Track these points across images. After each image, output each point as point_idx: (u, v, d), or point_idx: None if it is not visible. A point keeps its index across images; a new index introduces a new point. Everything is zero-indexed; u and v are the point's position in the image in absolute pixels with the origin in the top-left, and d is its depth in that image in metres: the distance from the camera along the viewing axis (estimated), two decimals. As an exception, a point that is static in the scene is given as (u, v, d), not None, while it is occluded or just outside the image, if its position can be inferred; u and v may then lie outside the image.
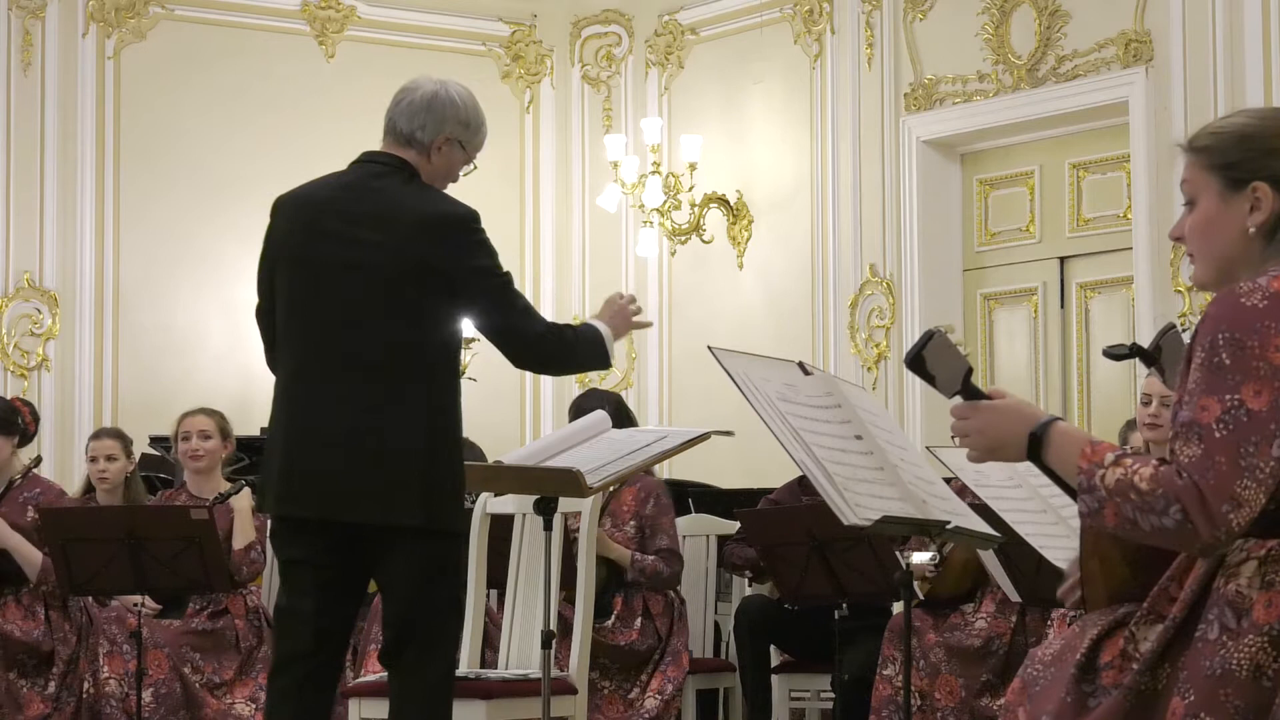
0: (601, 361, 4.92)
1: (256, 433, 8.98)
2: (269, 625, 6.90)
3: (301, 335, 4.70)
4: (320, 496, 4.61)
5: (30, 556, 6.77)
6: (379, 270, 4.61)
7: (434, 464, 4.61)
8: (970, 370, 2.92)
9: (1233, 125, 2.88)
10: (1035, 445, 2.82)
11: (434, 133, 4.75)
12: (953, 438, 3.00)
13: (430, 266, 4.60)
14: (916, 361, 2.91)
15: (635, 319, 5.01)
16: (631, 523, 7.01)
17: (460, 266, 4.63)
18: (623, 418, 7.13)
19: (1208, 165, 2.86)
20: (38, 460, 7.25)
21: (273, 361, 4.81)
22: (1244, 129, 2.87)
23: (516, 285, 4.80)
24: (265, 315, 4.81)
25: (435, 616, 4.68)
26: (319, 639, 4.68)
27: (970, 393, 2.91)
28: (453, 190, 4.89)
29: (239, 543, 6.86)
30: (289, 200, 4.81)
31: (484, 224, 4.77)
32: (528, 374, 10.61)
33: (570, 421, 6.26)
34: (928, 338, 2.91)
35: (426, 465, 4.59)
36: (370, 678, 6.12)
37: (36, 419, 7.31)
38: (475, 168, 4.91)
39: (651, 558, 6.95)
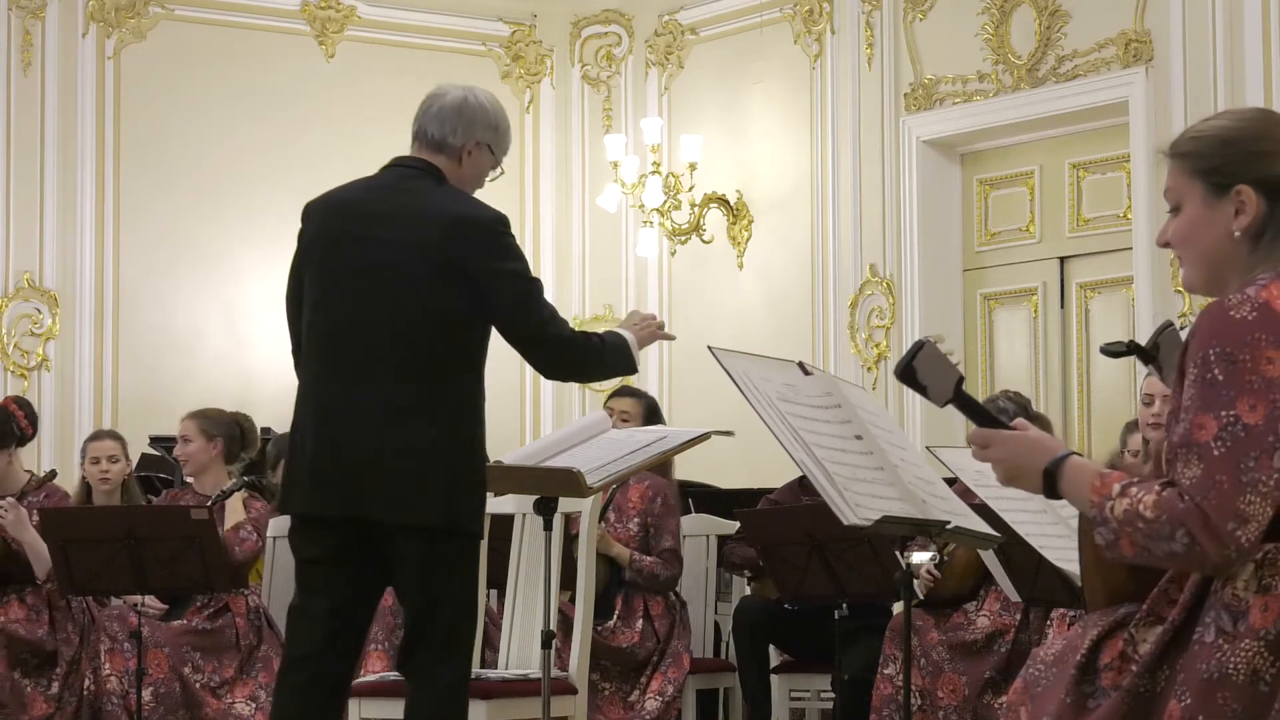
0: (628, 367, 4.94)
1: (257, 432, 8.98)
2: (269, 625, 6.90)
3: (327, 335, 4.73)
4: (344, 495, 4.63)
5: (43, 554, 6.77)
6: (406, 271, 4.63)
7: (457, 464, 4.62)
8: (962, 379, 2.93)
9: (1214, 129, 2.86)
10: (1050, 481, 2.82)
11: (465, 137, 4.78)
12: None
13: (457, 268, 4.62)
14: (907, 372, 2.91)
15: (659, 333, 5.05)
16: (635, 520, 7.01)
17: (487, 269, 4.65)
18: (654, 417, 7.16)
19: (1191, 171, 2.84)
20: (52, 474, 7.23)
21: (298, 364, 4.84)
22: (1225, 132, 2.85)
23: (545, 293, 4.81)
24: (294, 320, 4.83)
25: (451, 618, 4.69)
26: (331, 639, 4.69)
27: (963, 401, 2.91)
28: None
29: (228, 525, 6.84)
30: (319, 204, 4.85)
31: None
32: (527, 374, 10.61)
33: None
34: (918, 348, 2.91)
35: (449, 465, 4.61)
36: (370, 678, 6.13)
37: (33, 418, 7.27)
38: (503, 172, 4.94)
39: (650, 559, 6.95)
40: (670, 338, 5.26)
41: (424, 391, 4.62)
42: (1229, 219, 2.82)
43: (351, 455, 4.62)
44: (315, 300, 4.76)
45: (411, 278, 4.63)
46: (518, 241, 4.81)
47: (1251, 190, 2.80)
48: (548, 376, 5.04)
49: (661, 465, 7.07)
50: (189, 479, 7.19)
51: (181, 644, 6.78)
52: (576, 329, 4.86)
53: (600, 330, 5.00)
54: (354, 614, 4.77)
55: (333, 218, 4.79)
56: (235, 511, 6.88)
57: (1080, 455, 2.86)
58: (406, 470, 4.59)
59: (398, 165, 4.82)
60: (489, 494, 5.90)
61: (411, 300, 4.63)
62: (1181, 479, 2.66)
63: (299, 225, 4.86)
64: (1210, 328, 2.70)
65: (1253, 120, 2.88)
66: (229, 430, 7.11)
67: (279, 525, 6.96)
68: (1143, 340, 3.36)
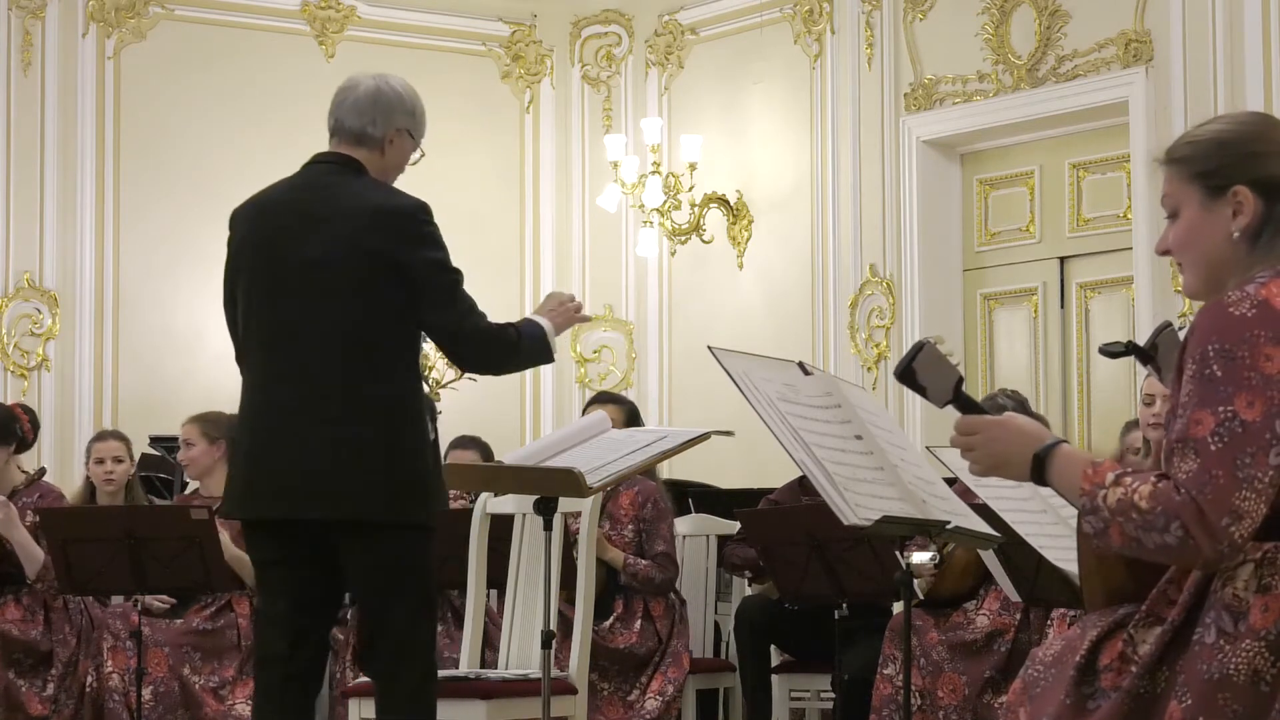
0: (544, 357, 4.91)
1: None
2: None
3: (262, 338, 4.75)
4: (280, 496, 4.63)
5: (33, 553, 6.77)
6: (334, 267, 4.63)
7: (392, 457, 4.60)
8: (961, 379, 2.93)
9: (1208, 133, 2.88)
10: (1039, 467, 2.82)
11: (385, 126, 4.79)
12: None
13: (383, 260, 4.62)
14: (907, 373, 2.92)
15: (576, 315, 4.99)
16: (630, 526, 7.01)
17: (412, 257, 4.64)
18: (635, 423, 7.13)
19: (1187, 175, 2.86)
20: (42, 471, 7.23)
21: (243, 369, 4.86)
22: (1220, 135, 2.86)
23: (467, 285, 4.76)
24: (232, 325, 4.85)
25: (406, 617, 4.67)
26: (295, 640, 4.70)
27: (962, 402, 2.91)
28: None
29: (248, 578, 6.71)
30: (245, 208, 4.89)
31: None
32: (528, 374, 10.61)
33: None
34: (917, 349, 2.92)
35: (384, 459, 4.59)
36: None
37: (36, 426, 7.27)
38: (424, 154, 4.92)
39: (645, 563, 6.94)
40: (587, 319, 5.19)
41: (356, 387, 4.61)
42: (1227, 220, 2.83)
43: (287, 456, 4.62)
44: (249, 304, 4.78)
45: (341, 274, 4.63)
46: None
47: (1248, 190, 2.81)
48: (463, 369, 4.99)
49: (648, 469, 7.05)
50: (194, 482, 7.16)
51: (182, 644, 6.77)
52: (492, 322, 4.80)
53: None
54: (316, 614, 4.77)
55: (261, 220, 4.82)
56: (242, 561, 6.73)
57: (1069, 444, 2.87)
58: (339, 467, 4.58)
59: (317, 162, 4.84)
60: (490, 494, 5.92)
61: (343, 297, 4.63)
62: (1178, 473, 2.67)
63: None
64: (1209, 324, 2.71)
65: (1247, 123, 2.90)
66: (230, 432, 7.09)
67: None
68: (1141, 341, 3.37)
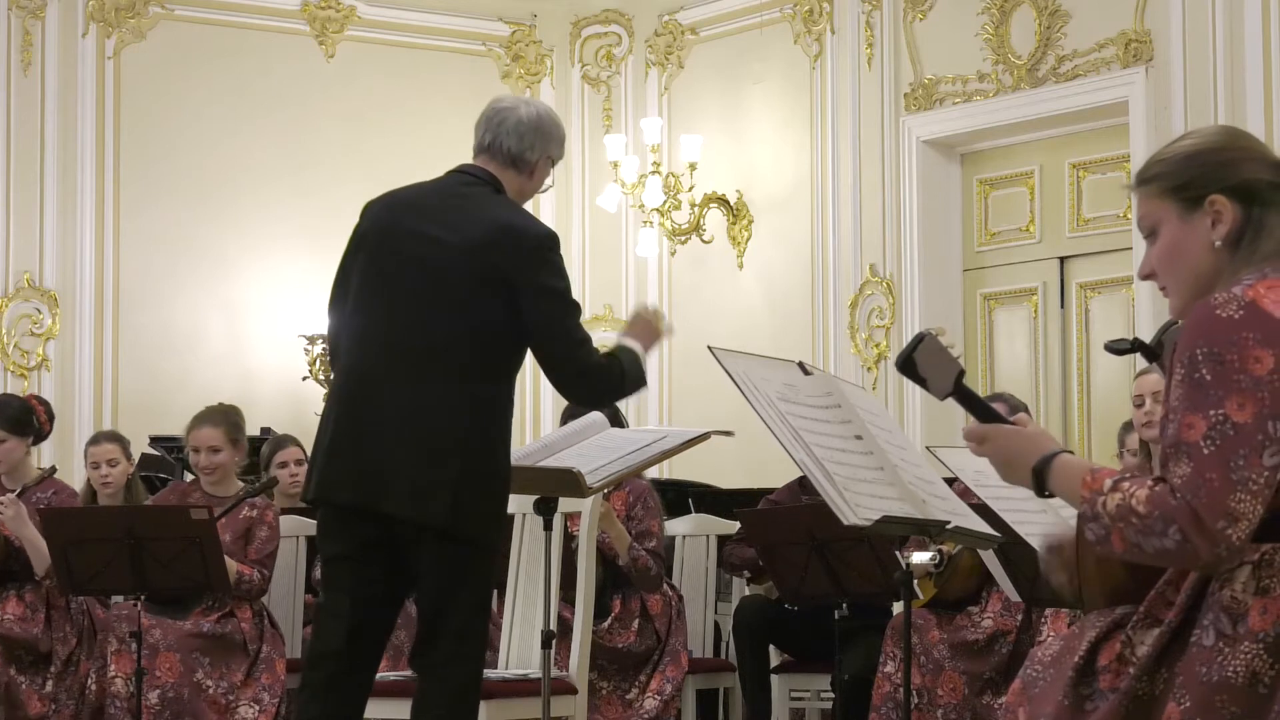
0: (641, 384, 4.94)
1: (256, 433, 8.99)
2: (272, 625, 6.89)
3: (363, 328, 4.77)
4: (358, 484, 4.66)
5: (42, 551, 6.74)
6: (447, 269, 4.66)
7: (470, 470, 4.62)
8: (962, 372, 2.93)
9: (1178, 149, 2.90)
10: (1039, 480, 2.83)
11: (540, 152, 4.86)
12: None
13: (499, 275, 4.64)
14: (908, 365, 2.91)
15: (662, 334, 5.05)
16: (622, 525, 7.01)
17: (529, 282, 4.67)
18: (616, 424, 7.13)
19: (1162, 191, 2.87)
20: (53, 470, 7.22)
21: (332, 360, 4.93)
22: (1191, 149, 2.88)
23: (581, 317, 4.82)
24: (335, 312, 4.88)
25: (463, 619, 4.70)
26: (351, 637, 4.72)
27: (963, 394, 2.91)
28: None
29: (230, 575, 6.70)
30: (377, 201, 4.91)
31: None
32: (527, 374, 10.60)
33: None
34: (918, 340, 2.92)
35: (460, 468, 4.61)
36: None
37: (52, 417, 7.27)
38: (554, 182, 5.01)
39: (645, 552, 6.95)
40: (669, 333, 5.20)
41: (447, 391, 4.63)
42: (1207, 231, 2.84)
43: (370, 447, 4.65)
44: (358, 291, 4.79)
45: (453, 279, 4.66)
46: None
47: (1225, 198, 2.82)
48: (569, 399, 5.05)
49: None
50: (211, 483, 7.05)
51: (192, 649, 6.73)
52: (600, 357, 4.83)
53: (609, 334, 4.97)
54: (376, 614, 4.78)
55: (387, 212, 4.84)
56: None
57: (1071, 453, 2.87)
58: (419, 467, 4.60)
59: (460, 171, 4.88)
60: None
61: (450, 301, 4.65)
62: (1173, 477, 2.67)
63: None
64: (1197, 327, 2.71)
65: (1215, 134, 2.92)
66: (243, 429, 7.07)
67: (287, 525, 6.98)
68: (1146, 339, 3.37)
